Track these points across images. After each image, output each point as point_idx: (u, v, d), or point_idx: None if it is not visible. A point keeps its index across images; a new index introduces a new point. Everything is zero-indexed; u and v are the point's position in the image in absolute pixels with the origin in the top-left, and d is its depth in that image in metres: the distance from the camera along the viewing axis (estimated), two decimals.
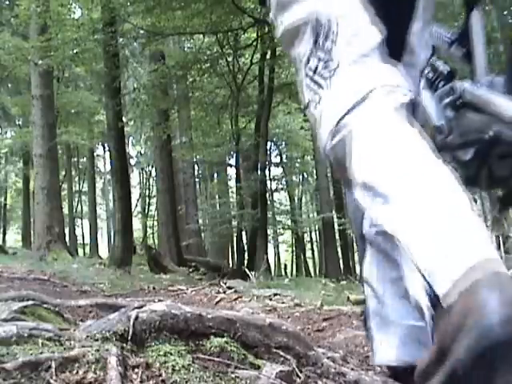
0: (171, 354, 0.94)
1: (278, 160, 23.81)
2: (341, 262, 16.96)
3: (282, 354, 1.03)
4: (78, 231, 26.99)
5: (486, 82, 1.24)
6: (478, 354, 0.62)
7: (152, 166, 22.14)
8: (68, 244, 12.85)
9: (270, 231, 20.70)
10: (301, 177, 26.50)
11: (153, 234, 23.56)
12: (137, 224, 22.42)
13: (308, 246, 27.43)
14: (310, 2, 1.14)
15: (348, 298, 3.56)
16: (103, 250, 25.06)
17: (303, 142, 20.49)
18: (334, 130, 1.03)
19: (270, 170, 21.24)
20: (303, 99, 1.20)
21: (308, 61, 1.17)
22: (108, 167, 23.08)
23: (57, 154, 12.20)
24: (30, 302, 1.50)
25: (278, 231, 25.16)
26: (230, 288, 5.29)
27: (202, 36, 12.32)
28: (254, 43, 12.22)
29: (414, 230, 0.77)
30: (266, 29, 12.32)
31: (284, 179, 24.98)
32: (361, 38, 1.12)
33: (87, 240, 26.23)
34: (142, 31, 10.55)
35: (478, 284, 0.65)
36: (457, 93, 1.21)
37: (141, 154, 25.49)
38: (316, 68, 1.16)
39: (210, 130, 14.82)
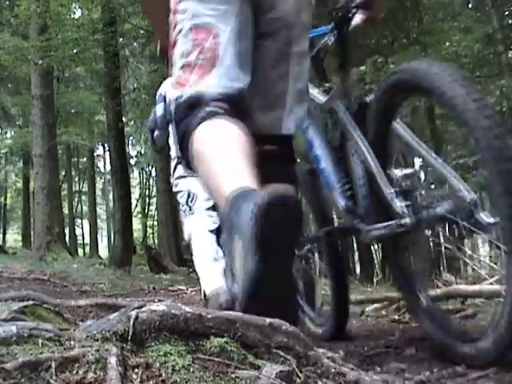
0: (171, 354, 0.94)
1: None
2: None
3: (282, 354, 1.03)
4: (78, 231, 26.99)
5: None
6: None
7: (152, 166, 22.13)
8: (68, 244, 12.84)
9: None
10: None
11: (153, 233, 23.55)
12: (137, 224, 22.40)
13: None
14: (185, 184, 2.24)
15: None
16: (103, 250, 25.05)
17: None
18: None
19: None
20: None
21: (182, 197, 2.27)
22: (108, 167, 23.07)
23: (57, 154, 12.18)
24: (30, 302, 1.50)
25: None
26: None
27: None
28: None
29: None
30: None
31: None
32: (202, 208, 2.13)
33: (87, 240, 26.23)
34: (142, 31, 10.55)
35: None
36: None
37: (141, 154, 25.46)
38: (185, 201, 2.25)
39: None
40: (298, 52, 1.49)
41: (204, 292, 2.35)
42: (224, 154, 1.19)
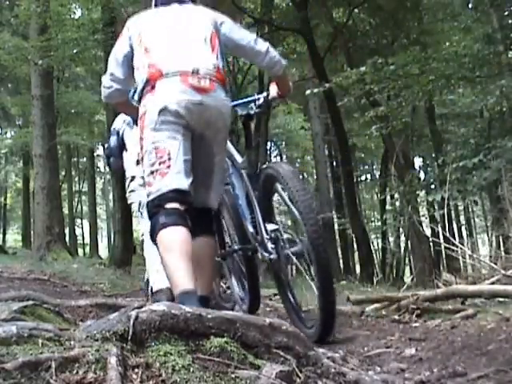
0: (171, 354, 0.94)
1: (278, 160, 23.82)
2: (341, 262, 16.93)
3: (281, 354, 1.03)
4: (78, 231, 26.95)
5: None
6: None
7: None
8: (68, 244, 12.83)
9: None
10: (300, 177, 26.48)
11: None
12: (137, 224, 22.40)
13: None
14: (136, 196, 3.38)
15: (348, 298, 3.54)
16: (103, 250, 25.03)
17: (303, 142, 20.45)
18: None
19: None
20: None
21: (135, 206, 3.45)
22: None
23: (57, 154, 12.16)
24: (30, 302, 1.50)
25: None
26: (229, 288, 5.27)
27: None
28: None
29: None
30: (266, 29, 12.30)
31: None
32: None
33: (87, 240, 26.20)
34: None
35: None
36: None
37: None
38: (137, 209, 3.38)
39: None
40: (218, 160, 2.35)
41: (151, 287, 3.08)
42: (174, 261, 1.99)
